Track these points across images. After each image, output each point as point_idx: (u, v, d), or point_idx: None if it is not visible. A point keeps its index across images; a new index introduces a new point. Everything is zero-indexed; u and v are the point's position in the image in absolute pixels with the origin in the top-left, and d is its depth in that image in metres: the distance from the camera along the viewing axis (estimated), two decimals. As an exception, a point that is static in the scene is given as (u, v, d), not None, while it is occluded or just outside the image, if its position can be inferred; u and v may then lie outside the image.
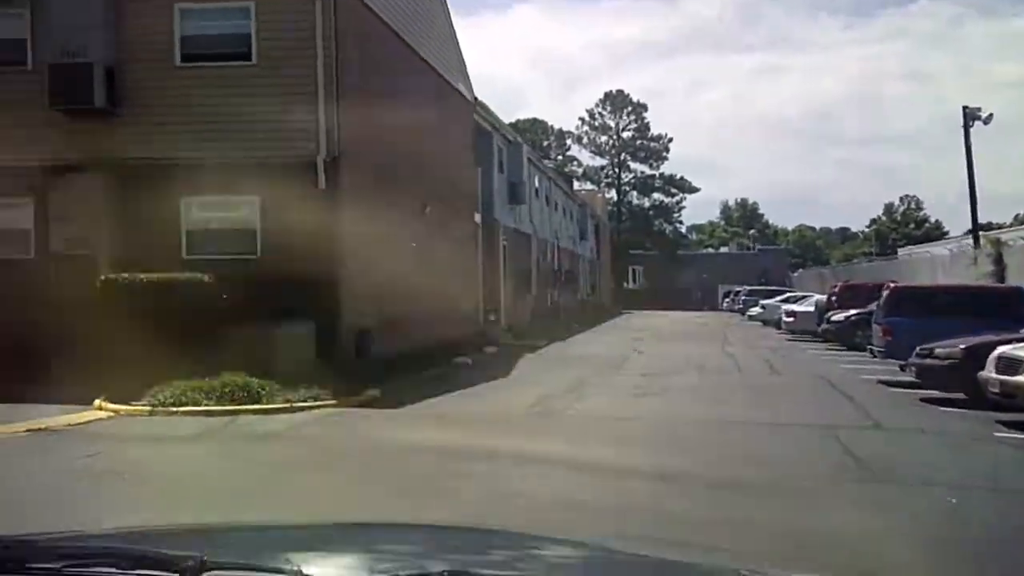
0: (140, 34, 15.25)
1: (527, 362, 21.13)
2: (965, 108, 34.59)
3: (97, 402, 12.78)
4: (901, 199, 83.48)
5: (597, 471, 8.30)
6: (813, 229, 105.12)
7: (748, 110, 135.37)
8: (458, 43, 24.12)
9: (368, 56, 16.79)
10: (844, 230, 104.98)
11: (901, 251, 52.30)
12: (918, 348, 14.59)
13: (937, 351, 14.19)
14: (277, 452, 9.72)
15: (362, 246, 16.23)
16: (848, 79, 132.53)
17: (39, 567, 1.52)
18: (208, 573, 1.48)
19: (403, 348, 17.80)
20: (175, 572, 1.48)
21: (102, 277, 13.50)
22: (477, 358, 21.40)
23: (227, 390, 12.80)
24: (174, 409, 12.37)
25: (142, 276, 13.47)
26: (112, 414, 12.39)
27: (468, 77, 25.05)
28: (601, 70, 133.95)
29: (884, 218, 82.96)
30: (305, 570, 1.50)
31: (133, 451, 9.38)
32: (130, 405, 12.64)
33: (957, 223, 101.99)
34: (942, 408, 13.36)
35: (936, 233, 72.58)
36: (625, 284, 75.92)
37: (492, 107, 28.24)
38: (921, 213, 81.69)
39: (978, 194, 34.09)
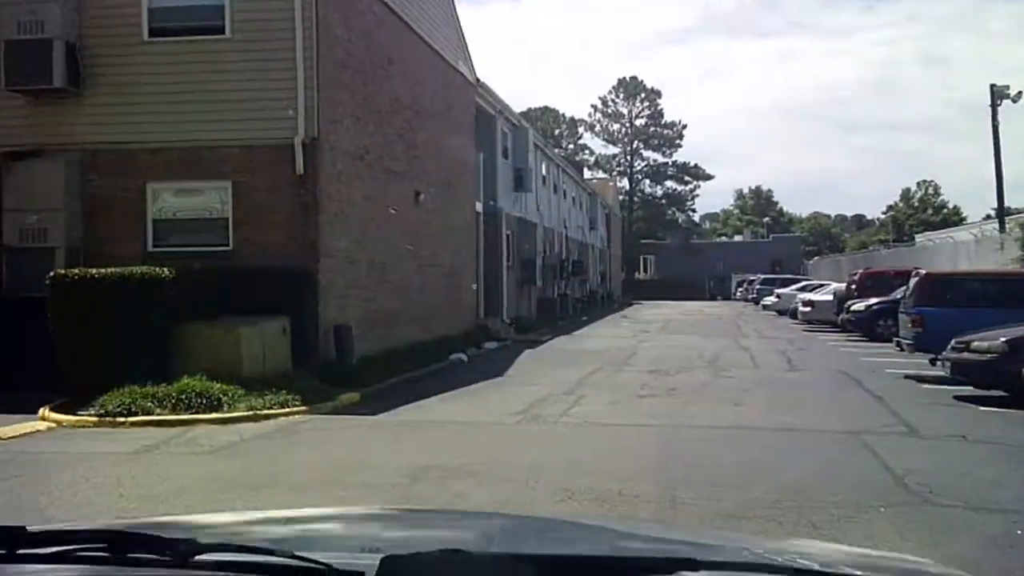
0: (104, 7, 14.03)
1: (527, 358, 19.91)
2: (993, 86, 33.12)
3: (42, 411, 11.62)
4: (919, 184, 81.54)
5: (578, 499, 7.02)
6: (828, 216, 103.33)
7: (763, 96, 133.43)
8: (459, 21, 22.81)
9: (354, 29, 15.53)
10: (859, 217, 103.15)
11: (919, 237, 50.72)
12: (953, 340, 13.29)
13: (975, 344, 12.89)
14: (218, 472, 8.50)
15: (345, 236, 15.01)
16: (865, 64, 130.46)
17: (30, 552, 1.50)
18: (200, 556, 1.47)
19: (394, 345, 16.61)
20: (167, 554, 1.47)
21: (51, 273, 12.29)
22: (475, 354, 20.21)
23: (184, 397, 11.61)
24: (122, 419, 11.19)
25: (94, 271, 12.25)
26: (54, 425, 11.20)
27: (470, 57, 23.75)
28: (615, 58, 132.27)
29: (901, 204, 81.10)
30: (297, 552, 1.49)
31: (57, 475, 8.18)
32: (76, 415, 11.46)
33: (975, 209, 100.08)
34: (981, 408, 12.09)
35: (954, 219, 70.75)
36: (637, 274, 74.52)
37: (499, 92, 26.97)
38: (939, 198, 79.83)
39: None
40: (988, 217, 45.77)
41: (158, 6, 14.00)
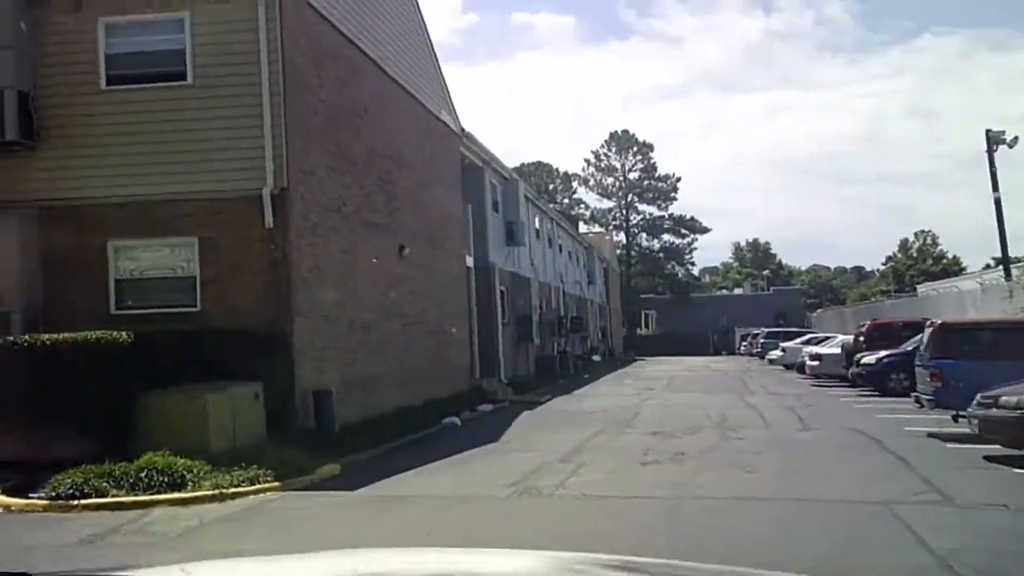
0: (60, 53, 13.24)
1: (525, 421, 18.78)
2: (988, 132, 32.46)
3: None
4: (916, 235, 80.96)
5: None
6: (827, 268, 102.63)
7: (756, 150, 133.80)
8: (440, 71, 22.15)
9: (326, 75, 14.76)
10: (859, 269, 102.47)
11: (920, 288, 49.85)
12: (979, 396, 12.22)
13: (1004, 399, 11.82)
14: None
15: (321, 294, 14.03)
16: (854, 116, 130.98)
17: None
18: None
19: (379, 411, 15.51)
20: None
21: None
22: (469, 418, 19.09)
23: (144, 475, 10.53)
24: (75, 502, 10.09)
25: (45, 337, 11.26)
26: (1, 510, 10.12)
27: (454, 108, 23.05)
28: (607, 114, 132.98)
29: (900, 255, 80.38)
30: None
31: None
32: (26, 498, 10.37)
33: (973, 259, 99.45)
34: (1015, 469, 10.99)
35: (955, 268, 69.95)
36: (638, 330, 73.42)
37: (491, 148, 26.26)
38: (938, 248, 79.16)
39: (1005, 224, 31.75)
40: (988, 266, 44.93)
41: (116, 52, 13.21)
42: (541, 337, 33.09)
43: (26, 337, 11.36)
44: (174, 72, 13.13)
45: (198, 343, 12.26)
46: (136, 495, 10.28)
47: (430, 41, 21.45)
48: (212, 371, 12.02)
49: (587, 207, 79.03)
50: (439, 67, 22.08)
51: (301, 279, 13.37)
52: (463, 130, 23.81)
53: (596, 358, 45.90)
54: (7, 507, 10.21)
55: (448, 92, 22.70)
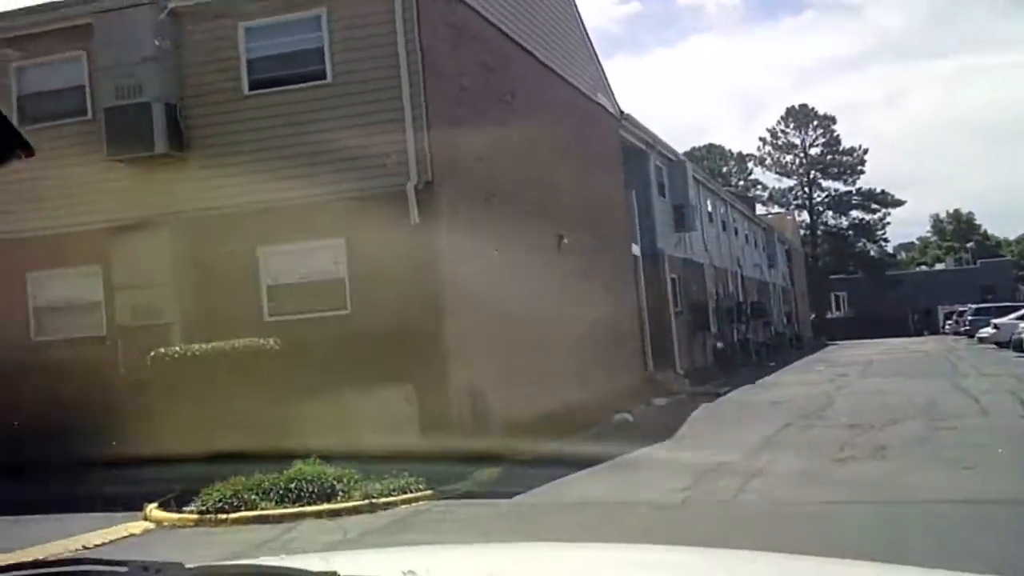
0: (203, 63, 13.22)
1: (703, 414, 17.44)
2: None
3: (148, 508, 10.47)
4: None
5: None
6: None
7: (950, 116, 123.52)
8: (595, 52, 21.09)
9: (468, 63, 14.06)
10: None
11: None
12: None
13: None
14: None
15: (474, 289, 13.32)
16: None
17: None
18: None
19: (543, 409, 14.65)
20: None
21: (152, 353, 11.30)
22: (642, 412, 17.95)
23: (293, 486, 10.16)
24: (224, 516, 9.84)
25: (196, 347, 11.19)
26: (152, 526, 10.01)
27: (611, 91, 21.93)
28: (783, 91, 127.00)
29: None
30: None
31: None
32: (179, 512, 10.23)
33: None
34: None
35: None
36: (828, 313, 69.22)
37: (660, 134, 24.96)
38: None
39: None
40: None
41: (257, 56, 13.04)
42: (719, 325, 31.33)
43: (176, 348, 11.34)
44: (313, 71, 12.84)
45: (349, 346, 11.90)
46: (285, 507, 9.94)
47: (583, 24, 20.48)
48: (363, 374, 11.59)
49: (764, 188, 75.47)
50: (594, 50, 21.07)
51: (451, 275, 12.71)
52: (622, 113, 22.64)
53: (783, 343, 43.32)
54: (160, 522, 10.12)
55: (605, 75, 21.64)
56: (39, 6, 13.48)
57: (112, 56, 12.60)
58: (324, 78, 12.79)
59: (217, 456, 10.54)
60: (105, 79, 12.81)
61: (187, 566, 1.55)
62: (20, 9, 13.60)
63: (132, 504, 10.41)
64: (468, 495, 10.37)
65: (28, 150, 0.80)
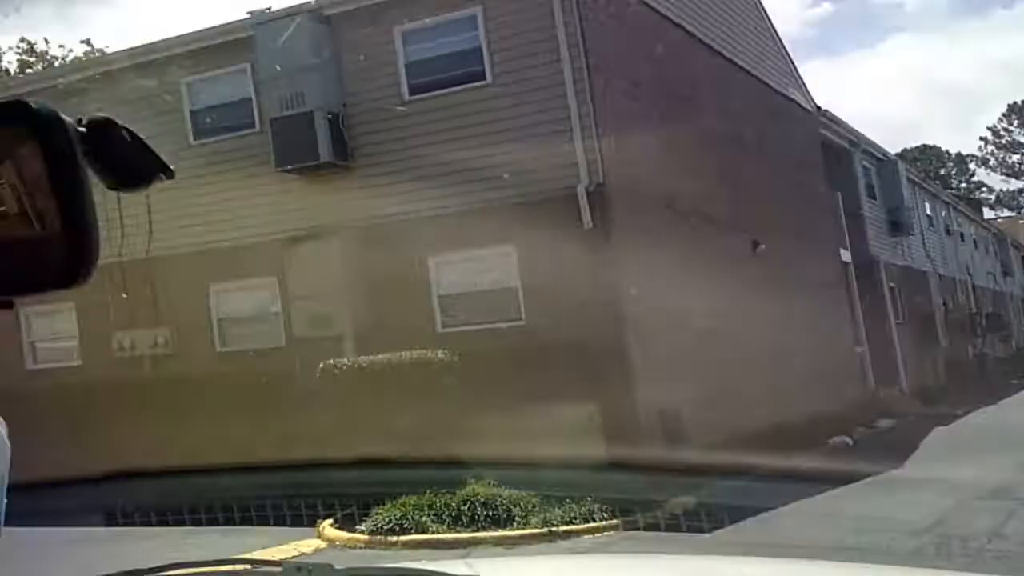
0: (362, 69, 13.02)
1: (936, 440, 15.22)
2: None
3: (321, 525, 10.14)
4: None
5: None
6: None
7: None
8: (783, 45, 19.45)
9: (639, 56, 13.07)
10: None
11: None
12: None
13: None
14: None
15: (659, 298, 12.12)
16: None
17: None
18: None
19: (746, 430, 13.08)
20: None
21: (320, 365, 11.05)
22: (863, 435, 15.95)
23: (465, 507, 9.46)
24: (394, 538, 9.36)
25: (363, 360, 10.90)
26: (323, 545, 9.68)
27: (805, 87, 20.12)
28: (1001, 88, 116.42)
29: None
30: None
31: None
32: (350, 532, 9.85)
33: None
34: None
35: None
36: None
37: (870, 134, 22.79)
38: None
39: None
40: None
41: (415, 60, 12.71)
42: (949, 338, 28.06)
43: (345, 360, 11.12)
44: (472, 72, 12.36)
45: (524, 359, 11.18)
46: (457, 531, 9.31)
47: (768, 18, 18.98)
48: (539, 389, 10.78)
49: (990, 190, 68.67)
50: (783, 45, 19.47)
51: (632, 283, 11.61)
52: (819, 108, 20.72)
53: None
54: (332, 541, 9.82)
55: (797, 71, 19.93)
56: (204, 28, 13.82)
57: (274, 67, 12.68)
58: (484, 79, 12.28)
59: (385, 471, 10.10)
60: (269, 90, 12.89)
61: (336, 567, 1.55)
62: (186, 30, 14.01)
63: (301, 519, 10.11)
64: (656, 526, 9.17)
65: (169, 173, 0.83)
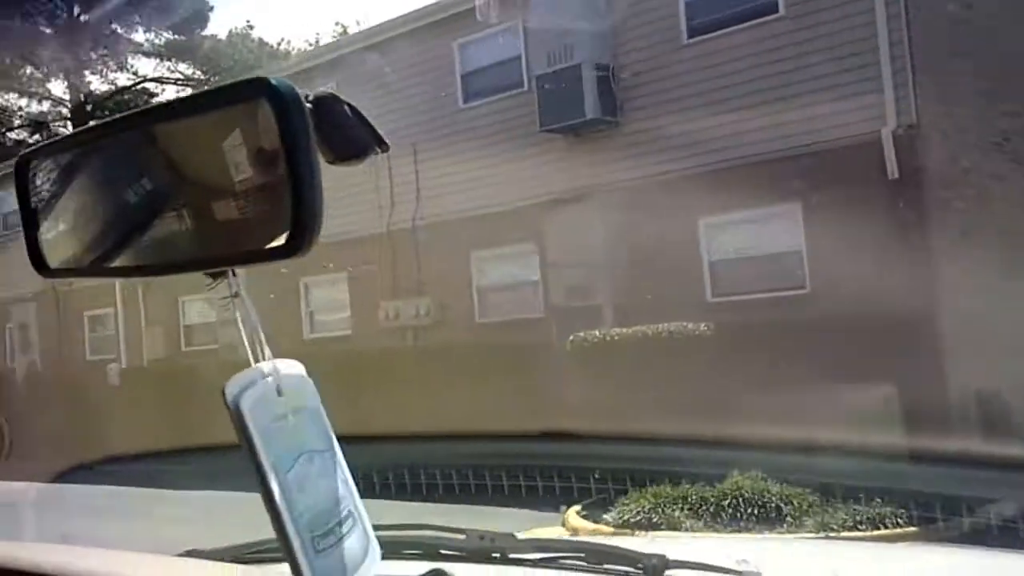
0: (636, 13, 11.93)
1: None
2: None
3: (567, 513, 9.13)
4: None
5: None
6: None
7: None
8: None
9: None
10: None
11: None
12: None
13: None
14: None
15: (980, 260, 9.90)
16: None
17: (519, 556, 1.65)
18: (671, 571, 1.51)
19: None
20: (638, 567, 1.53)
21: (570, 337, 10.11)
22: None
23: (726, 503, 8.01)
24: (643, 532, 8.10)
25: (615, 332, 9.88)
26: (568, 534, 8.60)
27: None
28: None
29: None
30: (766, 574, 1.53)
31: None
32: (595, 523, 8.73)
33: None
34: None
35: None
36: None
37: None
38: None
39: None
40: None
41: (695, -1, 11.44)
42: None
43: (597, 333, 10.11)
44: (763, 4, 10.88)
45: (806, 333, 9.55)
46: (715, 529, 7.81)
47: None
48: (824, 367, 9.14)
49: None
50: None
51: (949, 244, 9.59)
52: None
53: None
54: (575, 530, 8.66)
55: None
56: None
57: (545, 20, 11.96)
58: (776, 11, 10.76)
59: (633, 450, 8.92)
60: (538, 46, 12.22)
61: (519, 536, 1.71)
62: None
63: (545, 499, 9.22)
64: (979, 537, 7.14)
65: (383, 147, 0.87)
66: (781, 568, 1.69)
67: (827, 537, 7.08)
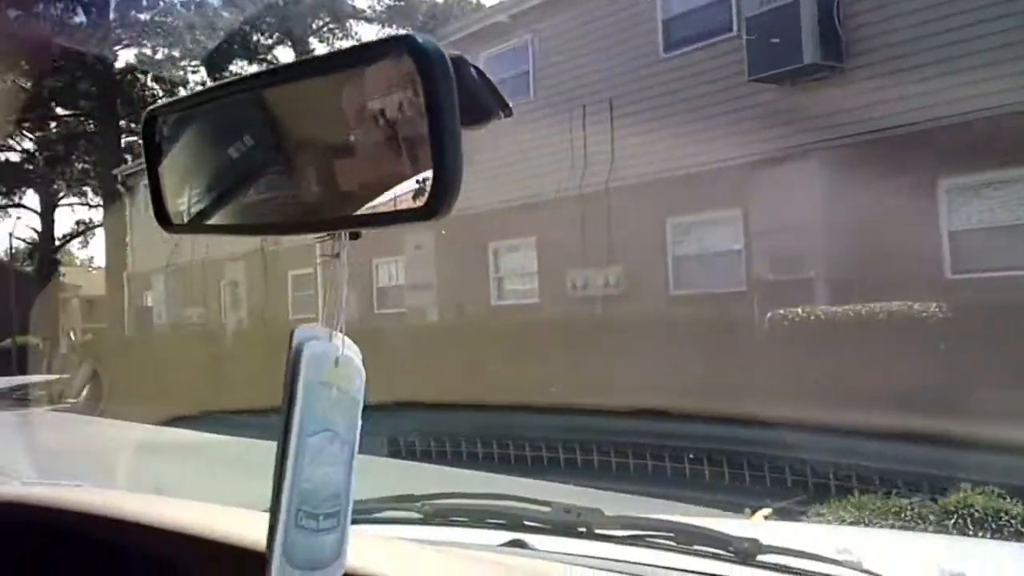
0: None
1: None
2: None
3: (756, 516, 7.90)
4: None
5: None
6: None
7: None
8: None
9: None
10: None
11: None
12: None
13: None
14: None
15: None
16: None
17: (607, 533, 1.63)
18: (763, 556, 1.49)
19: None
20: (730, 550, 1.51)
21: (768, 315, 8.81)
22: None
23: (951, 524, 6.55)
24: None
25: (820, 310, 8.47)
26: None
27: None
28: None
29: None
30: (866, 565, 1.47)
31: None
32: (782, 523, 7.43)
33: None
34: None
35: None
36: None
37: None
38: None
39: None
40: None
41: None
42: None
43: (799, 310, 8.65)
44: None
45: None
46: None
47: None
48: None
49: None
50: None
51: None
52: None
53: None
54: None
55: None
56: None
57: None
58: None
59: (835, 444, 7.54)
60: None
61: (606, 513, 1.65)
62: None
63: (730, 494, 8.01)
64: None
65: (507, 112, 0.84)
66: (886, 561, 1.56)
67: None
